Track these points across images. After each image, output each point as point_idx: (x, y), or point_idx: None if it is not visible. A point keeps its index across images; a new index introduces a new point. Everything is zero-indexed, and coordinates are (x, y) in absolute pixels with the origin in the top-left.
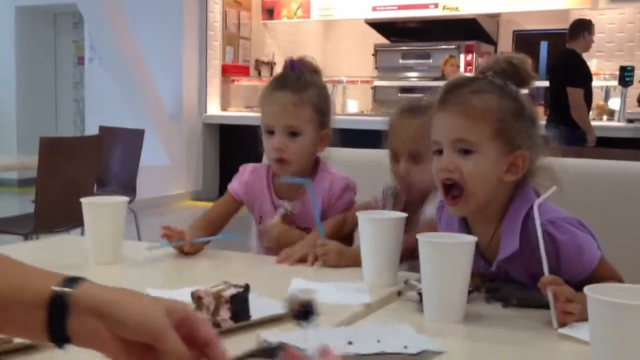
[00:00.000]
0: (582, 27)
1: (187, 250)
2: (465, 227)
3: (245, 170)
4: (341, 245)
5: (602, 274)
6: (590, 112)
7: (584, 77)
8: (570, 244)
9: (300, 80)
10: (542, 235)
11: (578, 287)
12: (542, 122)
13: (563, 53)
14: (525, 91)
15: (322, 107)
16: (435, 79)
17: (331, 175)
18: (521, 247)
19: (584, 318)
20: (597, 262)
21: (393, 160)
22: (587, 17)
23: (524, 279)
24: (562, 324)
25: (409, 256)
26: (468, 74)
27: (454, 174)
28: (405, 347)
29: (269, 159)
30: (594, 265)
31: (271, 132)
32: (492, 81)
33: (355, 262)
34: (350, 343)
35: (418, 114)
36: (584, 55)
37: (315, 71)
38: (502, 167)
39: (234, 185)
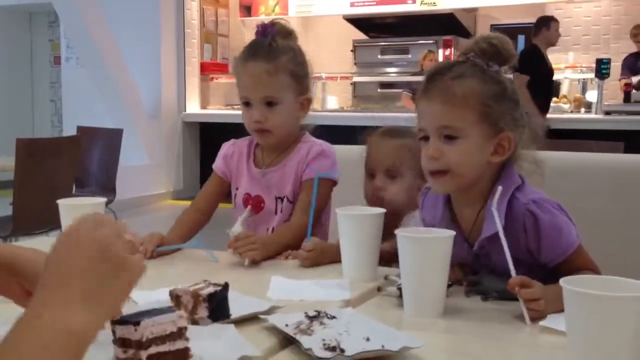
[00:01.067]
0: (541, 23)
1: (153, 257)
2: (449, 210)
3: (226, 145)
4: (324, 243)
5: (579, 261)
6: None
7: (534, 68)
8: (550, 223)
9: (273, 47)
10: (525, 214)
11: (555, 272)
12: None
13: (525, 49)
14: (509, 76)
15: (299, 73)
16: (415, 74)
17: (309, 144)
18: (506, 228)
19: (559, 309)
20: (575, 247)
21: (368, 178)
22: (562, 10)
23: (504, 261)
24: (533, 321)
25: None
26: (449, 60)
27: (440, 162)
28: (383, 346)
29: (250, 130)
30: (572, 249)
31: (248, 104)
32: (474, 63)
33: (336, 257)
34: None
35: (397, 136)
36: (556, 49)
37: (288, 34)
38: (488, 150)
39: (217, 162)
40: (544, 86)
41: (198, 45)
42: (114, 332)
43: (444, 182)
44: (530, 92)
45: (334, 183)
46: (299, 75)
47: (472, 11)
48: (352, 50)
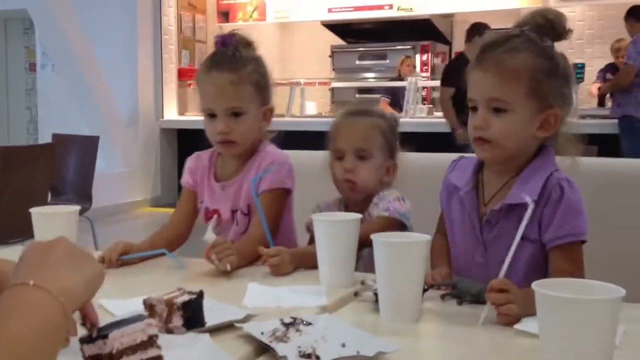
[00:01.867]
0: (473, 31)
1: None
2: (476, 176)
3: (190, 159)
4: (292, 251)
5: (572, 258)
6: None
7: (457, 78)
8: (573, 203)
9: (236, 56)
10: (555, 187)
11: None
12: None
13: (450, 59)
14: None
15: (262, 83)
16: (392, 79)
17: (262, 154)
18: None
19: (534, 312)
20: (579, 238)
21: (335, 160)
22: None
23: (509, 235)
24: (503, 324)
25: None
26: (504, 32)
27: (485, 132)
28: (358, 352)
29: (213, 142)
30: (576, 237)
31: (213, 115)
32: (528, 37)
33: (307, 260)
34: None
35: (366, 115)
36: None
37: (248, 44)
38: (534, 125)
39: (185, 177)
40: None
41: (175, 52)
42: (82, 352)
43: (486, 149)
44: (458, 104)
45: (286, 191)
46: (262, 86)
47: (449, 17)
48: (330, 56)
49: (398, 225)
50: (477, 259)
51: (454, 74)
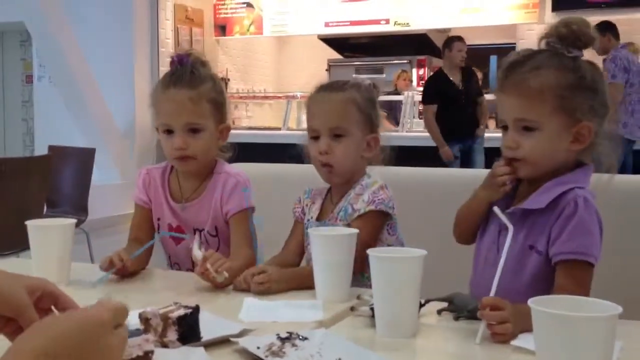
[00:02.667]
0: (445, 45)
1: (131, 268)
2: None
3: (140, 175)
4: (279, 270)
5: (577, 280)
6: None
7: (437, 94)
8: (584, 222)
9: (195, 74)
10: (569, 202)
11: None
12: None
13: (428, 77)
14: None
15: (219, 100)
16: (389, 93)
17: (223, 175)
18: (547, 205)
19: (530, 329)
20: (588, 259)
21: (312, 140)
22: (533, 31)
23: (518, 246)
24: (498, 342)
25: None
26: (526, 50)
27: (516, 152)
28: None
29: (170, 159)
30: (583, 257)
31: (170, 132)
32: (553, 52)
33: (296, 283)
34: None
35: (339, 90)
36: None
37: (203, 64)
38: (566, 139)
39: (137, 194)
40: (454, 109)
41: None
42: None
43: (520, 167)
44: (442, 120)
45: (252, 209)
46: (219, 103)
47: (445, 31)
48: (326, 70)
49: (383, 215)
50: (490, 260)
51: (434, 90)
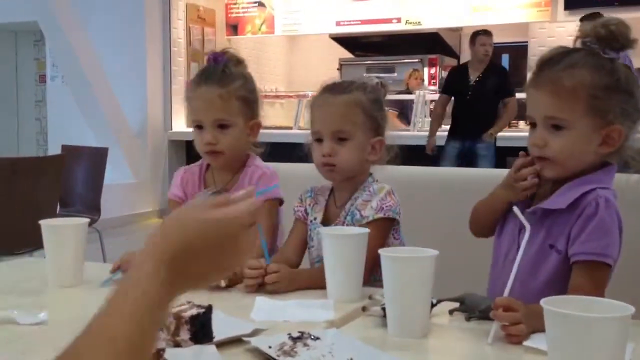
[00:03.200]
0: (470, 39)
1: None
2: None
3: (178, 174)
4: (291, 270)
5: (594, 280)
6: None
7: (449, 86)
8: (604, 223)
9: (226, 72)
10: (590, 203)
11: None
12: None
13: (450, 68)
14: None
15: (249, 98)
16: (400, 92)
17: (252, 168)
18: (570, 205)
19: (543, 329)
20: (606, 260)
21: (315, 142)
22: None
23: (537, 245)
24: (511, 343)
25: None
26: (563, 47)
27: (544, 150)
28: None
29: (201, 153)
30: (601, 258)
31: (200, 127)
32: (590, 51)
33: (307, 283)
34: (324, 356)
35: (342, 92)
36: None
37: (239, 62)
38: (595, 141)
39: (172, 191)
40: (461, 105)
41: (184, 64)
42: None
43: (546, 167)
44: (452, 113)
45: (279, 202)
46: (250, 101)
47: (457, 30)
48: (338, 69)
49: (390, 221)
50: (510, 258)
51: (448, 82)
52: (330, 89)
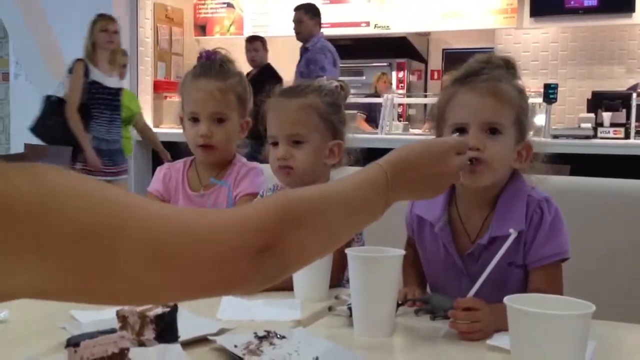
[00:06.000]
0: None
1: None
2: (449, 211)
3: (161, 169)
4: None
5: (553, 279)
6: None
7: None
8: (553, 223)
9: (224, 68)
10: (535, 209)
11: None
12: None
13: None
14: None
15: (243, 96)
16: (368, 95)
17: (238, 165)
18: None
19: (506, 328)
20: (560, 257)
21: (272, 146)
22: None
23: (497, 267)
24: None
25: None
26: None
27: (482, 154)
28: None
29: (193, 146)
30: (557, 257)
31: (196, 120)
32: (507, 71)
33: (281, 284)
34: (290, 354)
35: (297, 95)
36: None
37: (231, 61)
38: (514, 154)
39: (153, 185)
40: None
41: (151, 64)
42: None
43: (481, 172)
44: None
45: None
46: (243, 99)
47: (425, 35)
48: None
49: None
50: (464, 291)
51: None
52: (285, 93)
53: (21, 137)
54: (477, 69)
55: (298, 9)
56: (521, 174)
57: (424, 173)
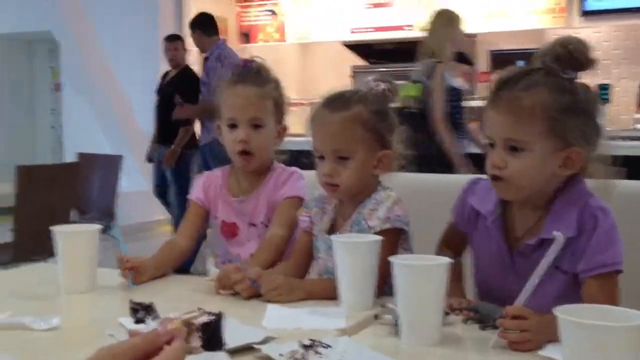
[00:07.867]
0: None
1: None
2: (502, 207)
3: (201, 177)
4: (290, 279)
5: (605, 292)
6: None
7: None
8: (607, 232)
9: (261, 74)
10: (590, 217)
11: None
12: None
13: None
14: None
15: (280, 102)
16: None
17: (278, 171)
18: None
19: (553, 339)
20: (614, 269)
21: (319, 159)
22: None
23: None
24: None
25: None
26: (522, 67)
27: (501, 171)
28: None
29: (232, 153)
30: (610, 269)
31: (234, 126)
32: (548, 70)
33: (308, 295)
34: None
35: (342, 108)
36: None
37: (267, 69)
38: (555, 163)
39: (194, 193)
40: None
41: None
42: None
43: (501, 187)
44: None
45: (302, 201)
46: (280, 104)
47: (471, 37)
48: (351, 76)
49: (399, 232)
50: (510, 286)
51: None
52: (329, 104)
53: (73, 146)
54: (507, 79)
55: (193, 30)
56: (582, 179)
57: None
